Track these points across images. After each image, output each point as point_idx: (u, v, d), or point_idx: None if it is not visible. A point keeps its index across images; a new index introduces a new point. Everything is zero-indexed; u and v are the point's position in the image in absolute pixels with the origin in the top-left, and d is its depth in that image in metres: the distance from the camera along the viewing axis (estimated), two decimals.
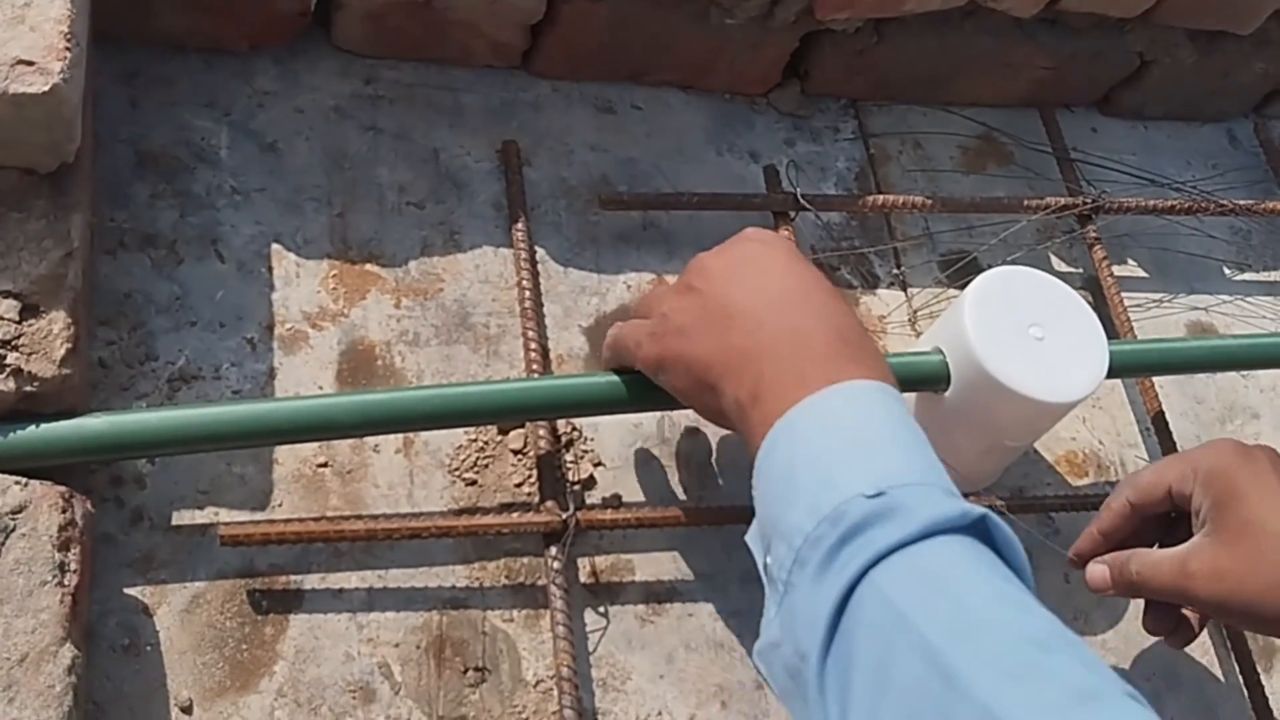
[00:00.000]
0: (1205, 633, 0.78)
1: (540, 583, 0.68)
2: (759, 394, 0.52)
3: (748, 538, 0.52)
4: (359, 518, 0.65)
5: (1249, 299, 0.95)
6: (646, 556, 0.70)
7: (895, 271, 0.86)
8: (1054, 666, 0.40)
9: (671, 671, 0.68)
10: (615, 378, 0.66)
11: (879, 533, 0.44)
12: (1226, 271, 0.96)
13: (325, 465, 0.68)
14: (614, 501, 0.71)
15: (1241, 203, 0.92)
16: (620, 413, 0.71)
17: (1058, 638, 0.41)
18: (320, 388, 0.70)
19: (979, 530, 0.45)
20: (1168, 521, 0.66)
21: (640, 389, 0.65)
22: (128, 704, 0.59)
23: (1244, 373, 0.90)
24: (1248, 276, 0.97)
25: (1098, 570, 0.66)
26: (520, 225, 0.77)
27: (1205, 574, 0.60)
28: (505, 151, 0.81)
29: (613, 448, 0.73)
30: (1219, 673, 0.78)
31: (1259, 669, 0.75)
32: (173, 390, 0.67)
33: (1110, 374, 0.70)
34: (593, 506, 0.71)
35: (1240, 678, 0.75)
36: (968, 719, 0.38)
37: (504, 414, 0.67)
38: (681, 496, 0.73)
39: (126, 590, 0.62)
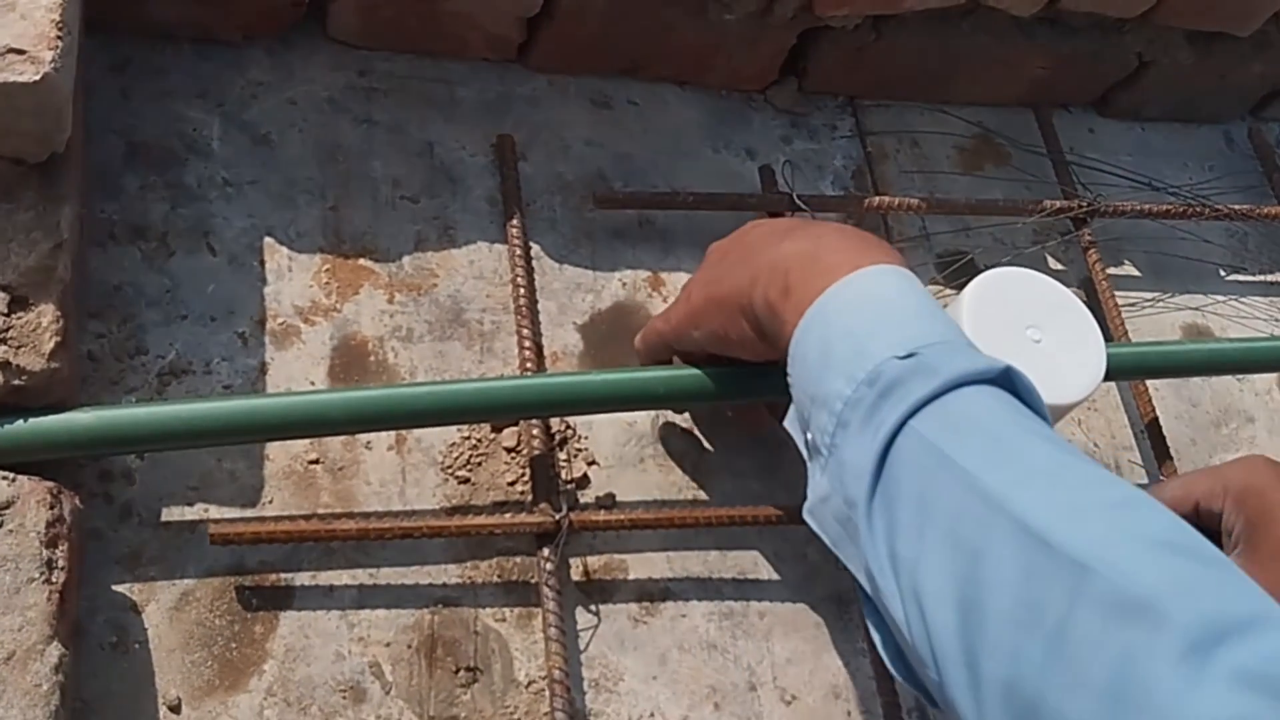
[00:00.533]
0: None
1: (533, 582, 0.67)
2: (789, 288, 0.56)
3: (786, 423, 0.55)
4: (350, 516, 0.64)
5: (1244, 300, 0.95)
6: (640, 556, 0.70)
7: None
8: (1082, 482, 0.43)
9: (664, 672, 0.67)
10: (611, 374, 0.65)
11: (914, 387, 0.47)
12: (1222, 274, 0.96)
13: (316, 462, 0.67)
14: (608, 501, 0.71)
15: (1237, 207, 0.92)
16: (616, 410, 0.70)
17: (1083, 462, 0.44)
18: (312, 383, 0.69)
19: (1004, 380, 0.48)
20: None
21: (634, 385, 0.64)
22: (115, 703, 0.59)
23: (1239, 376, 0.90)
24: (1243, 279, 0.97)
25: None
26: (515, 221, 0.76)
27: None
28: (500, 146, 0.80)
29: (607, 446, 0.73)
30: None
31: None
32: (163, 385, 0.66)
33: (1108, 377, 0.70)
34: (586, 507, 0.70)
35: None
36: (1005, 531, 0.41)
37: (499, 411, 0.66)
38: (676, 496, 0.73)
39: (115, 587, 0.61)
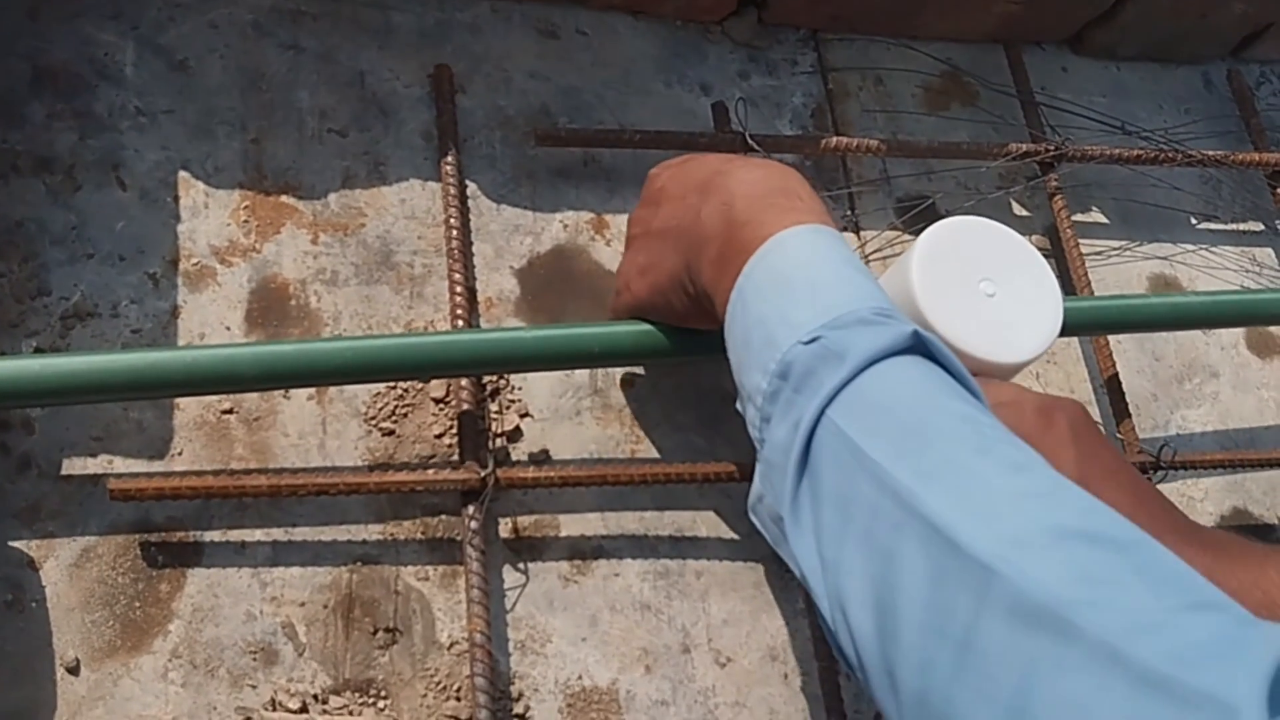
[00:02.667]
0: None
1: (458, 538, 0.64)
2: (717, 275, 0.54)
3: (737, 405, 0.54)
4: (262, 472, 0.61)
5: (1215, 250, 0.91)
6: (572, 513, 0.67)
7: (848, 214, 0.82)
8: (994, 467, 0.41)
9: (594, 634, 0.65)
10: (543, 331, 0.62)
11: (824, 375, 0.45)
12: (1193, 222, 0.93)
13: (230, 412, 0.64)
14: (540, 457, 0.68)
15: (1210, 153, 0.88)
16: (548, 369, 0.67)
17: (996, 440, 0.42)
18: (228, 329, 0.66)
19: (915, 347, 0.46)
20: None
21: (567, 343, 0.61)
22: (10, 664, 0.56)
23: (1205, 330, 0.87)
24: (1214, 227, 0.93)
25: None
26: (451, 157, 0.72)
27: None
28: (437, 77, 0.75)
29: (542, 398, 0.70)
30: None
31: None
32: (66, 328, 0.63)
33: (1065, 332, 0.66)
34: (515, 463, 0.67)
35: None
36: (915, 532, 0.39)
37: (424, 370, 0.62)
38: (614, 451, 0.70)
39: (11, 543, 0.58)
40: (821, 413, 0.45)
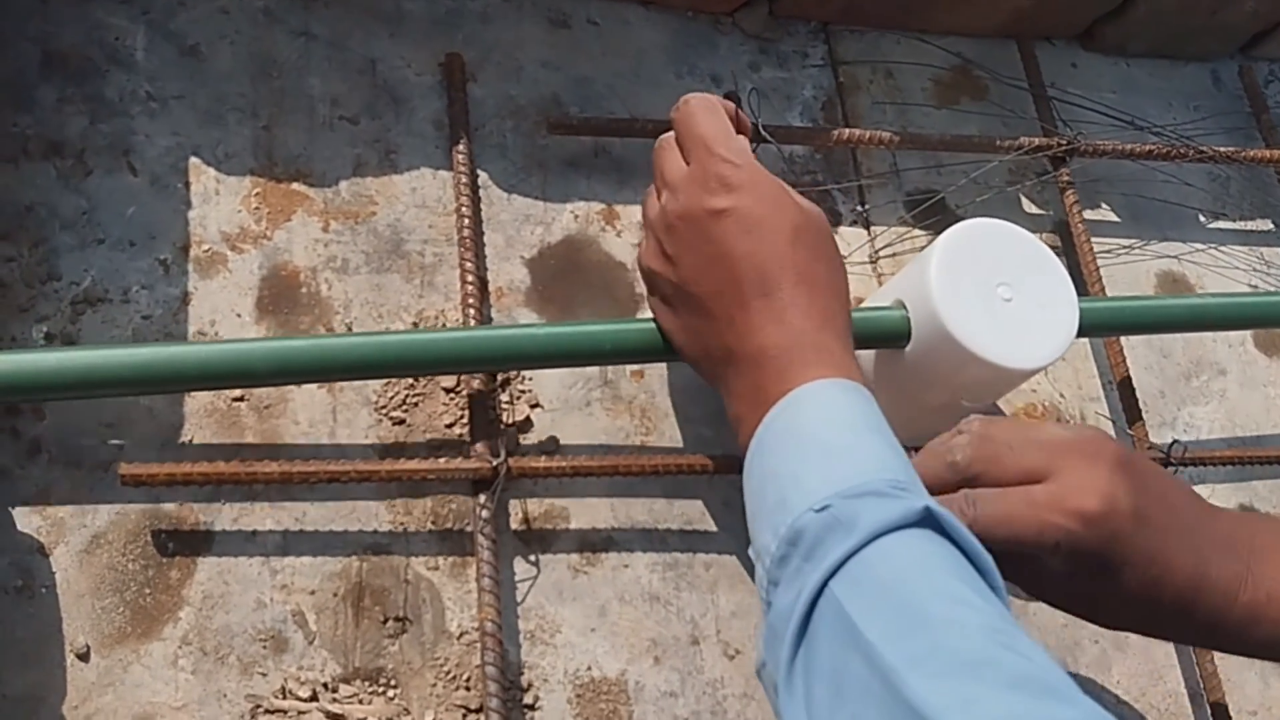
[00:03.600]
0: None
1: (468, 529, 0.64)
2: (740, 415, 0.54)
3: (750, 553, 0.51)
4: (274, 459, 0.61)
5: (1223, 248, 0.91)
6: (582, 504, 0.67)
7: (859, 209, 0.82)
8: (985, 658, 0.39)
9: (604, 625, 0.65)
10: (554, 329, 0.62)
11: (831, 545, 0.44)
12: (1202, 219, 0.93)
13: (241, 399, 0.63)
14: (550, 446, 0.68)
15: (1222, 150, 0.88)
16: (559, 366, 0.67)
17: (996, 630, 0.40)
18: (239, 315, 0.65)
19: (925, 521, 0.44)
20: None
21: (578, 341, 0.61)
22: (20, 649, 0.56)
23: None
24: (1223, 225, 0.93)
25: None
26: (462, 146, 0.72)
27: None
28: (449, 65, 0.75)
29: (552, 389, 0.69)
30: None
31: None
32: (76, 314, 0.62)
33: (1080, 333, 0.66)
34: (527, 451, 0.67)
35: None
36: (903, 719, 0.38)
37: (435, 368, 0.62)
38: (622, 443, 0.69)
39: (21, 529, 0.58)
40: (824, 584, 0.43)
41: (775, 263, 0.54)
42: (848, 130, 0.79)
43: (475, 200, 0.72)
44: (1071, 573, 0.52)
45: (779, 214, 0.56)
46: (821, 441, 0.49)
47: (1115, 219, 0.90)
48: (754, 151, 0.76)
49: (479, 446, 0.64)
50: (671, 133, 0.61)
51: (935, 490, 0.52)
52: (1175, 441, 0.75)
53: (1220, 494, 0.82)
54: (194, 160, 0.68)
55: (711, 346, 0.56)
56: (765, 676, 0.47)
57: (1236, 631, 0.53)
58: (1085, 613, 0.56)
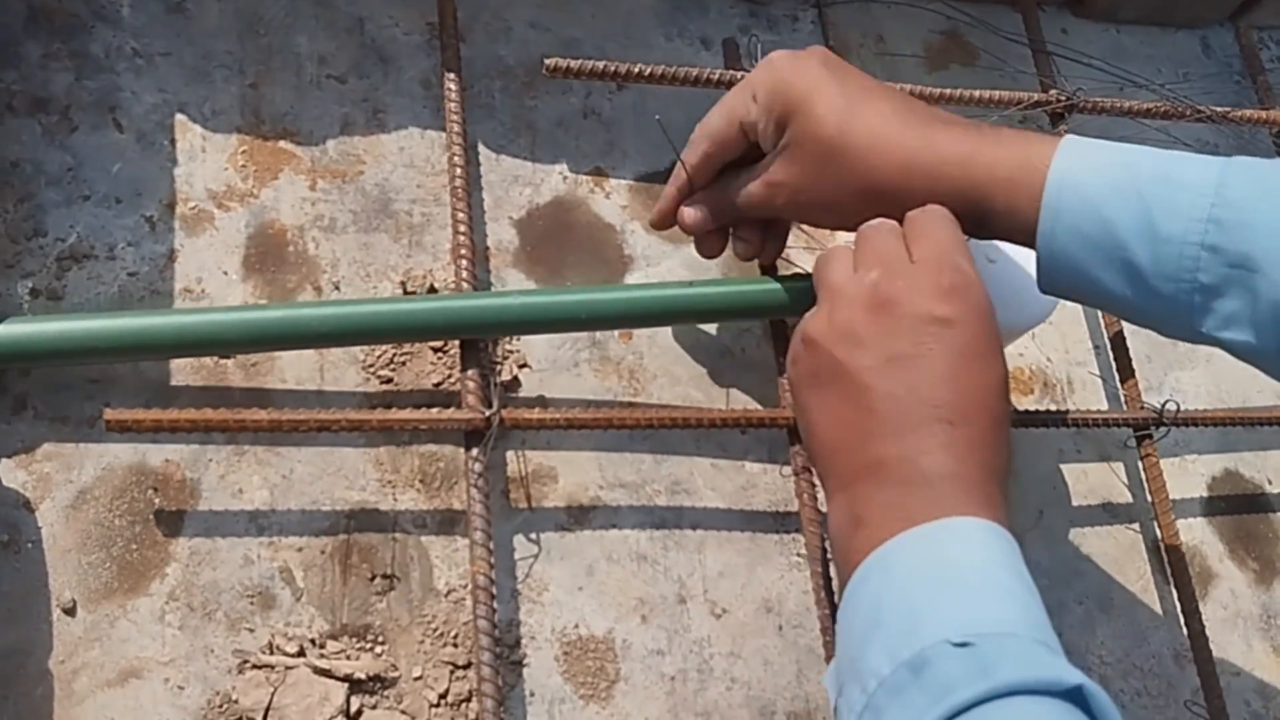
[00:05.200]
0: (1141, 558, 0.77)
1: (456, 488, 0.64)
2: (862, 517, 0.48)
3: (824, 678, 0.48)
4: (262, 407, 0.60)
5: None
6: (571, 465, 0.67)
7: None
8: None
9: (591, 583, 0.65)
10: (532, 296, 0.62)
11: (960, 685, 0.40)
12: None
13: (228, 358, 0.63)
14: (538, 405, 0.68)
15: (1219, 109, 0.88)
16: (542, 333, 0.67)
17: None
18: (225, 273, 0.65)
19: (1074, 699, 0.40)
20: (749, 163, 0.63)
21: (555, 309, 0.62)
22: (6, 604, 0.56)
23: None
24: None
25: (693, 211, 0.65)
26: (453, 90, 0.70)
27: (784, 184, 0.60)
28: (442, 10, 0.73)
29: (540, 349, 0.69)
30: (1154, 598, 0.76)
31: (1196, 596, 0.74)
32: (62, 270, 0.62)
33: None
34: (517, 407, 0.67)
35: (1177, 604, 0.74)
36: None
37: (417, 335, 0.63)
38: (611, 402, 0.69)
39: (6, 484, 0.58)
40: None
41: (973, 396, 0.49)
42: None
43: (466, 159, 0.71)
44: (776, 134, 0.59)
45: (993, 351, 0.51)
46: (971, 578, 0.44)
47: None
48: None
49: (472, 398, 0.63)
50: (891, 221, 0.57)
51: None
52: (1169, 400, 0.76)
53: (1205, 459, 0.83)
54: (180, 117, 0.67)
55: (857, 446, 0.50)
56: None
57: (959, 175, 0.55)
58: (784, 189, 0.61)
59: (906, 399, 0.49)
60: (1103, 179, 0.52)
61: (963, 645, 0.41)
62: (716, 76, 0.75)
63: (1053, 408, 0.79)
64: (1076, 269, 0.53)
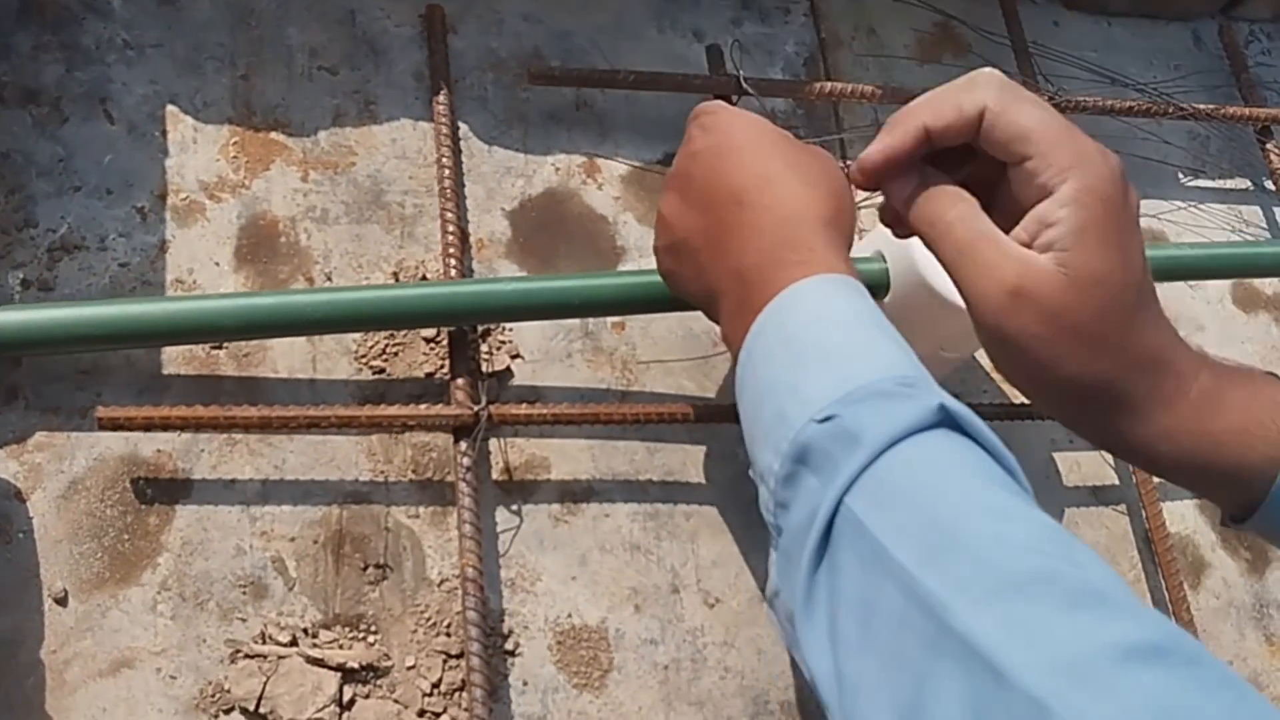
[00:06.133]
0: (1133, 548, 0.77)
1: (449, 478, 0.64)
2: (729, 334, 0.50)
3: (750, 474, 0.48)
4: (253, 403, 0.60)
5: (1201, 206, 0.92)
6: (563, 454, 0.67)
7: (841, 165, 0.82)
8: (1039, 575, 0.35)
9: (584, 573, 0.65)
10: (524, 283, 0.62)
11: (841, 460, 0.40)
12: (1181, 178, 0.93)
13: (220, 348, 0.63)
14: (531, 396, 0.68)
15: (1202, 107, 0.88)
16: (531, 320, 0.67)
17: (1042, 538, 0.36)
18: (217, 264, 0.65)
19: (943, 422, 0.40)
20: (957, 157, 0.49)
21: (548, 295, 0.62)
22: None
23: (1192, 283, 0.88)
24: (1202, 183, 0.94)
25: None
26: (442, 98, 0.72)
27: (1035, 306, 0.44)
28: (429, 17, 0.75)
29: (533, 340, 0.69)
30: (1143, 589, 0.76)
31: (1188, 585, 0.74)
32: (53, 260, 0.62)
33: None
34: (508, 400, 0.67)
35: (1166, 594, 0.74)
36: (950, 655, 0.34)
37: (409, 322, 0.63)
38: (604, 394, 0.69)
39: None
40: (839, 502, 0.39)
41: (743, 176, 0.51)
42: (830, 84, 0.79)
43: (456, 151, 0.71)
44: (1067, 232, 0.44)
45: (742, 134, 0.52)
46: (815, 344, 0.44)
47: None
48: (734, 104, 0.76)
49: (460, 394, 0.64)
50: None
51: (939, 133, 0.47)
52: None
53: None
54: (171, 109, 0.67)
55: (704, 285, 0.52)
56: (779, 607, 0.43)
57: (1189, 417, 0.45)
58: (1041, 321, 0.44)
59: (705, 221, 0.52)
60: None
61: (826, 420, 0.41)
62: (700, 82, 0.76)
63: None
64: None
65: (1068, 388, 0.45)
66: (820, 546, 0.39)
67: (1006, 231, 0.45)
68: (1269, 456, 0.44)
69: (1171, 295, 0.87)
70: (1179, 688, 0.31)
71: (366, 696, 0.58)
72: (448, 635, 0.61)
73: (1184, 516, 0.80)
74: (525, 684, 0.61)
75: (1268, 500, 0.45)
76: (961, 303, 0.58)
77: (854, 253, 0.71)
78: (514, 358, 0.68)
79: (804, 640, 0.40)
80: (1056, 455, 0.78)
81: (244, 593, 0.59)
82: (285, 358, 0.64)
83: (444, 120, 0.71)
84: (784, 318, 0.46)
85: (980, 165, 0.48)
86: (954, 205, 0.47)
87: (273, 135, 0.69)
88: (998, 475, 0.40)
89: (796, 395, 0.43)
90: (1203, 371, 0.45)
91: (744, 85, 0.76)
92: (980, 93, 0.46)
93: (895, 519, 0.38)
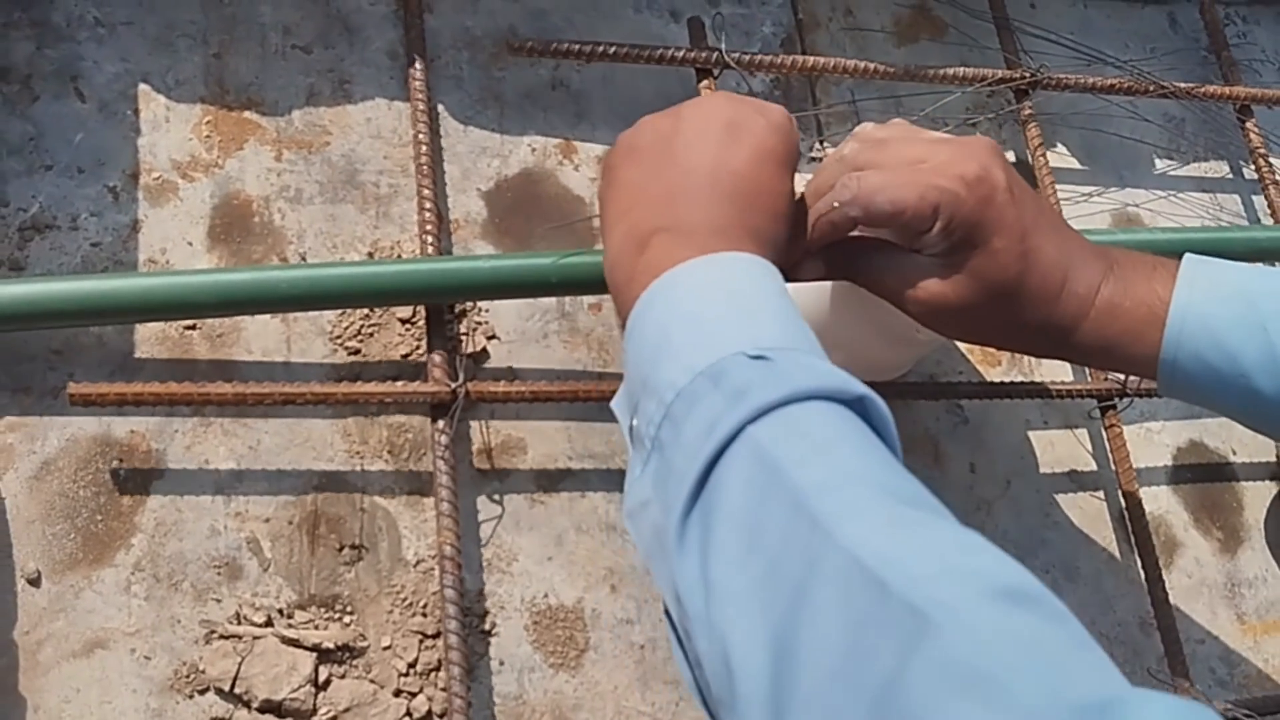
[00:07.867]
0: (1108, 527, 0.77)
1: (424, 458, 0.64)
2: (648, 243, 0.49)
3: (614, 404, 0.48)
4: (227, 380, 0.60)
5: (1177, 189, 0.92)
6: (539, 436, 0.67)
7: (817, 146, 0.82)
8: (924, 521, 0.37)
9: (560, 553, 0.65)
10: (500, 261, 0.62)
11: (760, 391, 0.41)
12: (1157, 159, 0.93)
13: (193, 328, 0.63)
14: (507, 376, 0.68)
15: (1182, 85, 0.88)
16: (508, 298, 0.67)
17: (928, 502, 0.39)
18: (190, 244, 0.65)
19: (858, 406, 0.42)
20: None
21: (524, 272, 0.61)
22: None
23: None
24: (1177, 164, 0.94)
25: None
26: (419, 73, 0.71)
27: (950, 304, 0.54)
28: None
29: (509, 320, 0.69)
30: (1119, 567, 0.77)
31: (1161, 564, 0.74)
32: (24, 240, 0.62)
33: None
34: (485, 378, 0.67)
35: (1142, 572, 0.74)
36: (834, 566, 0.35)
37: (385, 299, 0.63)
38: (580, 374, 0.69)
39: None
40: (742, 427, 0.40)
41: (631, 190, 0.51)
42: (813, 58, 0.78)
43: (432, 131, 0.71)
44: (947, 251, 0.52)
45: (630, 141, 0.53)
46: (755, 302, 0.46)
47: (1071, 157, 0.90)
48: (716, 78, 0.76)
49: (438, 371, 0.63)
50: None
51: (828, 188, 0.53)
52: None
53: (1170, 429, 0.83)
54: (143, 87, 0.67)
55: (645, 189, 0.51)
56: (643, 519, 0.44)
57: (1092, 329, 0.54)
58: (951, 314, 0.55)
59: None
60: (1227, 311, 0.54)
61: (758, 358, 0.42)
62: (681, 55, 0.75)
63: (1019, 379, 0.79)
64: (1196, 388, 0.56)
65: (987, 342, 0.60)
66: (710, 464, 0.40)
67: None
68: (1157, 342, 0.54)
69: None
70: (1044, 635, 0.33)
71: (342, 676, 0.58)
72: (424, 615, 0.61)
73: (1156, 497, 0.80)
74: (501, 663, 0.62)
75: (1160, 379, 0.55)
76: None
77: None
78: (490, 338, 0.68)
79: (674, 550, 0.41)
80: (1032, 434, 0.79)
81: (219, 573, 0.59)
82: (259, 338, 0.64)
83: (420, 97, 0.70)
84: (728, 271, 0.47)
85: None
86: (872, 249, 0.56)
87: (246, 114, 0.68)
88: (893, 458, 0.42)
89: (729, 332, 0.44)
90: (1103, 287, 0.54)
91: (726, 58, 0.76)
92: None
93: (798, 451, 0.40)
